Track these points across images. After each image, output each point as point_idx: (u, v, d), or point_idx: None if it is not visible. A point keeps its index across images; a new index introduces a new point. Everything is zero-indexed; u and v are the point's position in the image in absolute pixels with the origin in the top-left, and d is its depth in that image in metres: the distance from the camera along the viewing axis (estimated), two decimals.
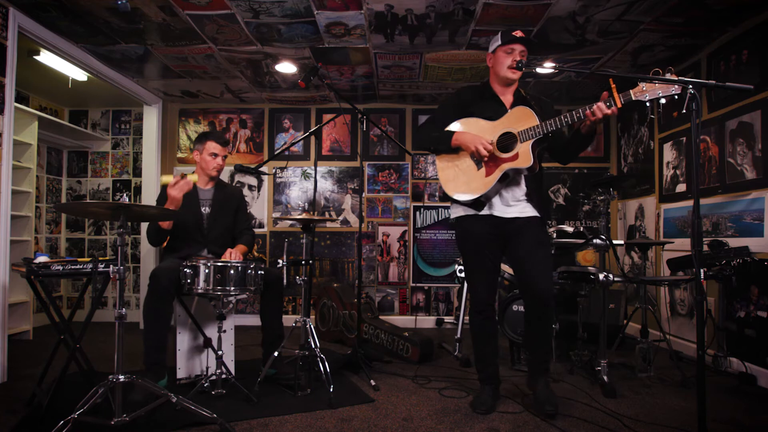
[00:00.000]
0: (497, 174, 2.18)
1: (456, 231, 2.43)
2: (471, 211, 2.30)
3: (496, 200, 2.26)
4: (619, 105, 1.95)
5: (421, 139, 2.45)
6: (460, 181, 2.29)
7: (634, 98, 1.90)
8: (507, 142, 2.19)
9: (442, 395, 2.54)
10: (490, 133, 2.22)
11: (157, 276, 2.41)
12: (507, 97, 2.32)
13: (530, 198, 2.25)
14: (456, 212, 2.38)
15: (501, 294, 3.45)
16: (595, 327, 2.87)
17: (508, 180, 2.22)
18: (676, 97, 1.80)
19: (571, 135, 2.23)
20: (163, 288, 2.39)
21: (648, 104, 1.87)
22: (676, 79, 1.73)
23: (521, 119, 2.16)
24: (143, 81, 4.18)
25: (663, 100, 1.82)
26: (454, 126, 2.32)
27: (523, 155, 2.14)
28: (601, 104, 1.98)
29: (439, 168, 2.38)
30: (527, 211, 2.25)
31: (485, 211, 2.27)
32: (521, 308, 3.10)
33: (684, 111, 1.69)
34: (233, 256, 2.63)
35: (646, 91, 1.86)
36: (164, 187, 2.78)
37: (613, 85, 1.96)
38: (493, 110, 2.27)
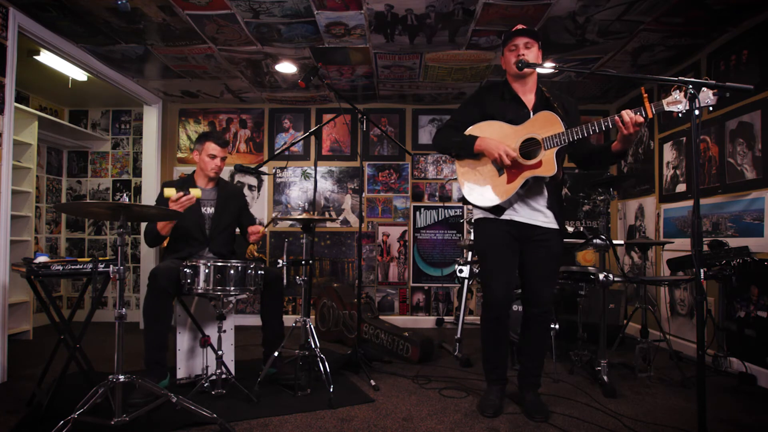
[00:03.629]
0: (519, 181, 2.12)
1: (475, 233, 2.38)
2: (491, 215, 2.25)
3: (518, 205, 2.21)
4: (650, 115, 1.85)
5: (442, 143, 2.35)
6: (481, 186, 2.23)
7: (666, 108, 1.79)
8: (530, 148, 2.11)
9: (442, 395, 2.54)
10: (512, 138, 2.15)
11: (156, 275, 2.42)
12: (528, 97, 2.24)
13: (551, 206, 2.21)
14: (476, 214, 2.33)
15: None
16: (595, 327, 2.87)
17: (528, 186, 2.16)
18: (711, 109, 1.68)
19: (600, 148, 2.18)
20: (162, 287, 2.39)
21: (681, 115, 1.74)
22: (676, 79, 1.72)
23: (546, 125, 2.08)
24: (143, 81, 4.18)
25: (696, 111, 1.67)
26: (476, 129, 2.24)
27: (547, 163, 2.07)
28: (629, 111, 1.88)
29: (459, 173, 2.32)
30: (549, 221, 2.20)
31: (506, 216, 2.22)
32: (521, 308, 3.10)
33: (684, 111, 1.68)
34: (260, 230, 2.80)
35: (680, 101, 1.74)
36: (163, 188, 2.78)
37: (644, 95, 1.85)
38: (514, 112, 2.20)
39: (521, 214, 2.21)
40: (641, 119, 1.88)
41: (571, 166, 4.64)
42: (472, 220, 2.38)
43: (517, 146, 2.13)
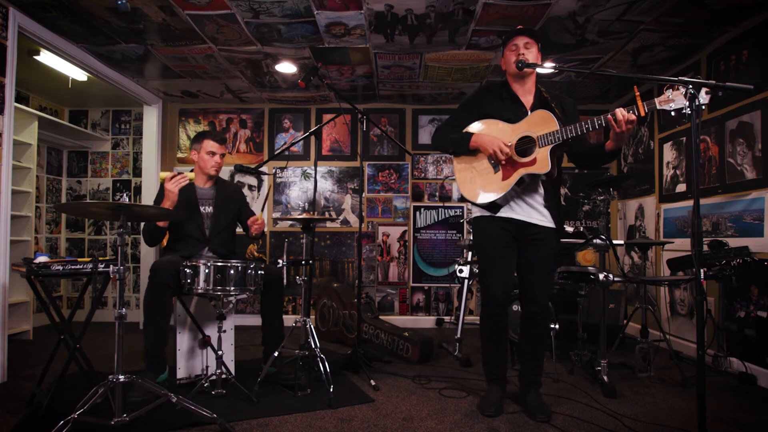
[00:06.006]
0: (514, 178, 2.14)
1: (473, 231, 2.40)
2: (488, 213, 2.27)
3: (514, 203, 2.23)
4: (642, 113, 1.87)
5: (439, 141, 2.39)
6: (476, 183, 2.26)
7: (659, 107, 1.80)
8: (526, 146, 2.14)
9: (442, 395, 2.54)
10: (509, 135, 2.17)
11: (157, 269, 2.42)
12: (527, 98, 2.26)
13: (548, 205, 2.22)
14: (474, 212, 2.36)
15: None
16: (595, 327, 2.87)
17: (524, 184, 2.18)
18: (703, 107, 1.66)
19: (594, 147, 2.19)
20: (163, 281, 2.39)
21: (673, 113, 1.76)
22: (676, 79, 1.72)
23: (541, 123, 2.11)
24: (143, 81, 4.18)
25: (688, 110, 1.68)
26: (474, 127, 2.28)
27: (541, 161, 2.09)
28: (621, 109, 1.90)
29: (456, 169, 2.35)
30: (545, 220, 2.22)
31: (503, 214, 2.24)
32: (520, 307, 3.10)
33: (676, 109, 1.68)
34: (260, 220, 2.74)
35: (672, 100, 1.75)
36: (162, 185, 2.79)
37: (637, 93, 1.87)
38: (512, 112, 2.22)
39: (518, 212, 2.23)
40: (633, 117, 1.90)
41: (570, 166, 4.69)
42: (471, 219, 2.41)
43: (513, 144, 2.16)
